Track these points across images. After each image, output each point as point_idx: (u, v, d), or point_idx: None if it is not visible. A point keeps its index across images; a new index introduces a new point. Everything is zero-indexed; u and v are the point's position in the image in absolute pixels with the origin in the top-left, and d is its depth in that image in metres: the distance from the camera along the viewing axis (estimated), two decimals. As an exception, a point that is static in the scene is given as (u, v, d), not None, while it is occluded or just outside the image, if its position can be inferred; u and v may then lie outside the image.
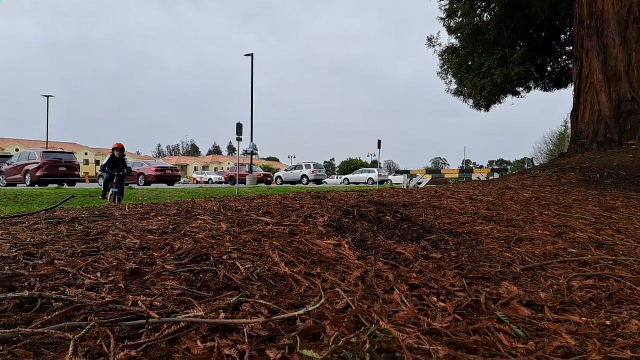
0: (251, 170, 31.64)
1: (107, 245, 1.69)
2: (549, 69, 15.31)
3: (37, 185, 19.04)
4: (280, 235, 2.03)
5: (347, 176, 44.04)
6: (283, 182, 35.72)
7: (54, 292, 1.20)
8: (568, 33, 13.71)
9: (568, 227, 2.72)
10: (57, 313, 1.07)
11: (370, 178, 38.27)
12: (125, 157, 9.51)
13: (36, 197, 6.82)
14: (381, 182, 28.24)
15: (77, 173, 21.45)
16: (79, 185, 21.01)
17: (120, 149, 9.46)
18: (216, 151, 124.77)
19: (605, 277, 1.81)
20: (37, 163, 19.99)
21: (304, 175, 35.73)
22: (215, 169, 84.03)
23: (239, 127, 15.91)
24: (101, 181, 11.37)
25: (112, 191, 8.93)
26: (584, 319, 1.38)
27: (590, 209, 3.42)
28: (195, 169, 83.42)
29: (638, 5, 7.61)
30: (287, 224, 2.26)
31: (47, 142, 42.17)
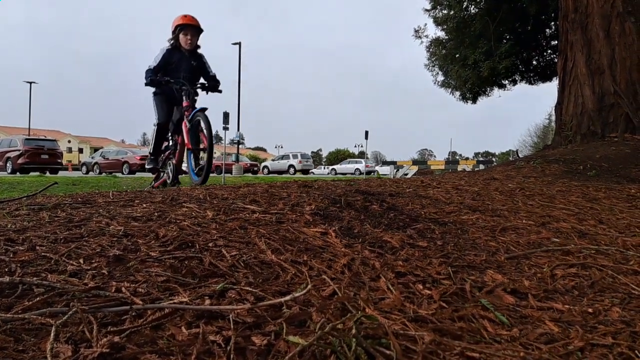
0: (237, 160, 31.51)
1: (90, 232, 1.66)
2: (534, 62, 15.43)
3: (18, 173, 18.73)
4: (266, 223, 2.02)
5: (334, 166, 44.15)
6: (270, 172, 35.66)
7: (35, 278, 1.18)
8: (553, 27, 13.81)
9: (551, 217, 2.75)
10: (38, 299, 1.05)
11: (357, 168, 38.41)
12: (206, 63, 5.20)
13: (17, 185, 6.70)
14: (368, 173, 28.34)
15: (59, 161, 21.20)
16: (61, 173, 20.72)
17: (191, 26, 4.84)
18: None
19: (587, 265, 1.84)
20: (19, 150, 19.69)
21: (291, 165, 35.71)
22: (201, 158, 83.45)
23: (226, 116, 15.81)
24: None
25: (168, 171, 5.10)
26: (567, 306, 1.40)
27: (573, 199, 3.47)
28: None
29: (621, 0, 7.68)
30: (273, 212, 2.25)
31: (29, 129, 41.45)
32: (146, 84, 4.79)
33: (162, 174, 5.53)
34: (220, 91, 5.20)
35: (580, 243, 2.22)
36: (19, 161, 19.37)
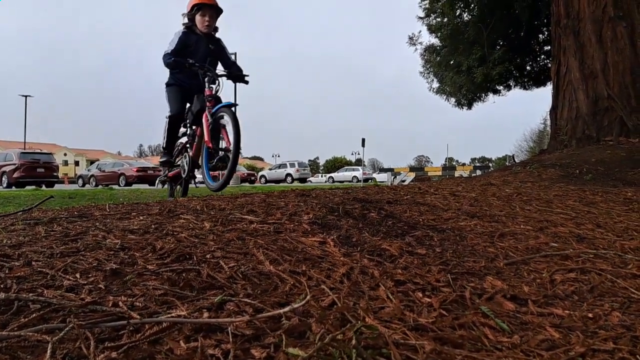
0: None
1: (86, 246, 1.65)
2: (528, 68, 15.53)
3: (14, 187, 18.65)
4: (264, 233, 2.01)
5: (332, 174, 44.18)
6: (267, 181, 35.64)
7: (31, 294, 1.17)
8: (546, 33, 13.91)
9: (549, 222, 2.76)
10: (34, 315, 1.04)
11: (354, 176, 38.44)
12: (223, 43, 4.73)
13: (13, 199, 6.67)
14: (365, 180, 28.35)
15: (55, 174, 21.14)
16: (57, 187, 20.64)
17: (209, 6, 4.44)
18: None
19: (586, 270, 1.83)
20: (14, 164, 19.63)
21: (288, 174, 35.71)
22: (198, 169, 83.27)
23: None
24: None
25: (184, 164, 4.67)
26: (567, 311, 1.39)
27: (570, 203, 3.47)
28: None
29: (612, 5, 7.76)
30: (271, 221, 2.24)
31: (25, 142, 41.36)
32: (167, 65, 4.34)
33: (178, 161, 5.04)
34: (247, 82, 4.62)
35: (579, 247, 2.22)
36: (15, 175, 19.29)
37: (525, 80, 15.67)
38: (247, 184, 29.24)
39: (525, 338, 1.18)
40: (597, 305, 1.48)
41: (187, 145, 4.77)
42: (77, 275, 1.33)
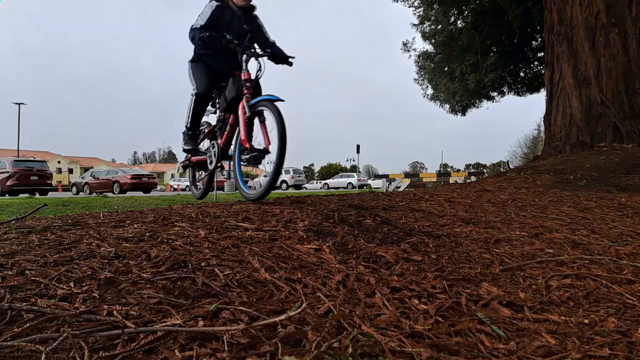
0: (229, 177, 31.39)
1: (80, 254, 1.64)
2: (521, 74, 15.63)
3: (7, 195, 18.53)
4: (259, 240, 2.01)
5: (327, 181, 44.16)
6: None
7: (24, 303, 1.15)
8: (539, 39, 14.03)
9: (544, 228, 2.76)
10: (27, 325, 1.03)
11: (349, 182, 38.47)
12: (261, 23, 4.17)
13: (6, 207, 6.63)
14: (360, 187, 28.38)
15: (49, 182, 21.00)
16: (51, 194, 20.54)
17: None
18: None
19: (581, 276, 1.84)
20: (8, 172, 19.50)
21: (283, 181, 35.68)
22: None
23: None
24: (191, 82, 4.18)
25: (212, 153, 4.13)
26: (563, 317, 1.39)
27: (565, 209, 3.48)
28: (172, 176, 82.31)
29: (605, 12, 7.83)
30: (266, 229, 2.24)
31: (18, 150, 41.18)
32: (199, 40, 3.76)
33: (203, 146, 4.54)
34: (291, 63, 4.05)
35: (574, 253, 2.22)
36: (8, 183, 19.17)
37: (519, 86, 15.77)
38: (242, 191, 29.20)
39: (522, 344, 1.18)
40: (593, 311, 1.48)
41: (216, 131, 4.25)
42: (71, 284, 1.32)
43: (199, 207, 3.09)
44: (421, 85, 16.74)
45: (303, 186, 37.65)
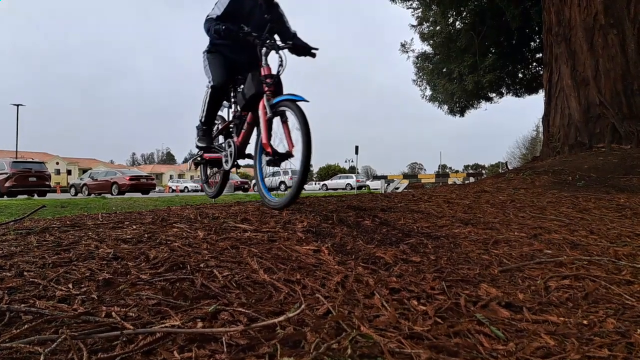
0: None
1: (79, 256, 1.63)
2: (520, 75, 15.64)
3: (5, 197, 18.50)
4: (258, 241, 2.01)
5: (326, 182, 44.17)
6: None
7: (23, 305, 1.15)
8: (538, 40, 14.05)
9: (543, 229, 2.76)
10: (26, 326, 1.03)
11: (348, 183, 38.48)
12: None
13: (4, 209, 6.62)
14: (359, 188, 28.37)
15: (47, 183, 20.98)
16: (49, 196, 20.50)
17: None
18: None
19: (580, 277, 1.84)
20: (6, 173, 19.47)
21: (282, 182, 35.67)
22: (191, 177, 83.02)
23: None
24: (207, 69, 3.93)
25: (228, 152, 3.83)
26: (562, 318, 1.39)
27: (563, 210, 3.49)
28: (171, 177, 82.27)
29: (603, 13, 7.85)
30: (265, 230, 2.23)
31: (17, 151, 41.12)
32: (215, 33, 3.53)
33: (217, 143, 4.26)
34: (314, 55, 3.81)
35: (573, 254, 2.23)
36: (7, 184, 19.13)
37: (518, 87, 15.79)
38: (240, 192, 29.17)
39: (521, 345, 1.18)
40: (592, 312, 1.48)
41: (232, 128, 4.02)
42: (70, 285, 1.32)
43: (198, 208, 3.09)
44: (420, 86, 16.75)
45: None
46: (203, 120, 4.06)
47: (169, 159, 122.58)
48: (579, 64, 8.04)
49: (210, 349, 0.99)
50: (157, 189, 36.02)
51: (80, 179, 28.45)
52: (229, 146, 3.89)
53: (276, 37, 3.74)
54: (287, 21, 3.92)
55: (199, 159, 4.40)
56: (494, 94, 15.93)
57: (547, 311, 1.47)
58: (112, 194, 22.71)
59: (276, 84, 3.37)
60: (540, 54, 13.51)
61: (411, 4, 15.22)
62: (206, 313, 1.18)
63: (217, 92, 3.87)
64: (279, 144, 3.25)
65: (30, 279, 1.35)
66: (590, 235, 2.69)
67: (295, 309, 1.23)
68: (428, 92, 16.59)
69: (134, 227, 2.24)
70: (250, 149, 3.79)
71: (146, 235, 2.01)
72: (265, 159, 3.30)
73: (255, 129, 3.65)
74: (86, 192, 25.16)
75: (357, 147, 21.36)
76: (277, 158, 3.21)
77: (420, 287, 1.61)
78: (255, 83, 3.41)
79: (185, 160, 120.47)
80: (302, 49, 3.71)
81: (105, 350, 0.96)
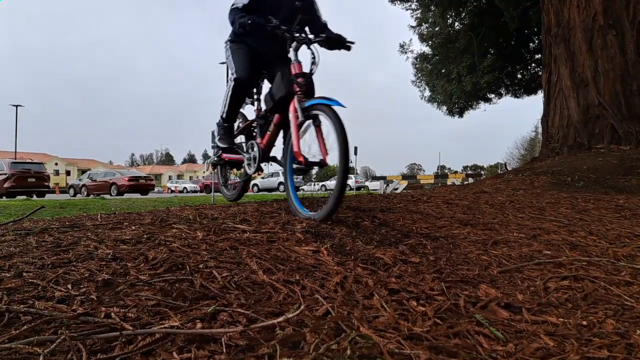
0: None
1: (78, 256, 1.63)
2: (519, 76, 15.68)
3: (4, 197, 18.49)
4: (257, 242, 2.01)
5: (325, 182, 44.17)
6: (260, 190, 35.56)
7: (22, 306, 1.15)
8: (537, 41, 14.07)
9: (542, 230, 2.77)
10: (25, 327, 1.03)
11: (347, 184, 38.47)
12: None
13: (3, 209, 6.61)
14: (358, 188, 28.38)
15: (46, 184, 20.97)
16: (48, 196, 20.48)
17: None
18: (191, 160, 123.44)
19: (579, 277, 1.84)
20: (5, 174, 19.45)
21: (281, 183, 35.65)
22: (190, 178, 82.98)
23: (214, 135, 15.82)
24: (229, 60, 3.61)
25: (251, 155, 3.56)
26: (561, 319, 1.39)
27: (562, 211, 3.49)
28: (170, 177, 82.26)
29: (602, 14, 7.86)
30: (264, 231, 2.23)
31: (16, 152, 41.08)
32: (240, 26, 3.20)
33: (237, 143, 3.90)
34: (349, 48, 3.40)
35: (572, 255, 2.23)
36: (6, 185, 19.11)
37: (517, 88, 15.82)
38: (240, 193, 29.17)
39: (520, 346, 1.18)
40: (591, 312, 1.48)
41: (254, 128, 3.74)
42: (69, 286, 1.32)
43: (197, 209, 3.09)
44: (419, 87, 16.78)
45: (300, 188, 37.68)
46: (224, 116, 3.74)
47: (167, 159, 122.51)
48: (578, 65, 8.05)
49: (210, 349, 0.99)
50: (156, 189, 36.01)
51: (79, 180, 28.43)
52: (252, 148, 3.59)
53: (306, 29, 3.39)
54: (319, 9, 3.57)
55: (216, 159, 4.06)
56: (492, 95, 15.96)
57: (547, 312, 1.47)
58: (111, 195, 22.70)
59: (308, 85, 3.05)
60: (539, 55, 13.55)
61: (410, 5, 15.26)
62: (205, 314, 1.18)
63: (241, 86, 3.54)
64: (307, 151, 2.95)
65: (30, 280, 1.35)
66: (590, 236, 2.69)
67: (294, 310, 1.23)
68: (427, 93, 16.64)
69: (133, 227, 2.24)
70: (274, 151, 3.57)
71: (145, 236, 2.00)
72: (295, 166, 3.00)
73: (280, 131, 3.40)
74: (85, 193, 25.14)
75: (355, 148, 21.37)
76: (308, 167, 2.93)
77: (420, 287, 1.61)
78: (285, 83, 3.10)
79: (184, 161, 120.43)
80: (337, 42, 3.32)
81: (105, 351, 0.96)
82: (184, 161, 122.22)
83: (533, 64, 15.27)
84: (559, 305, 1.54)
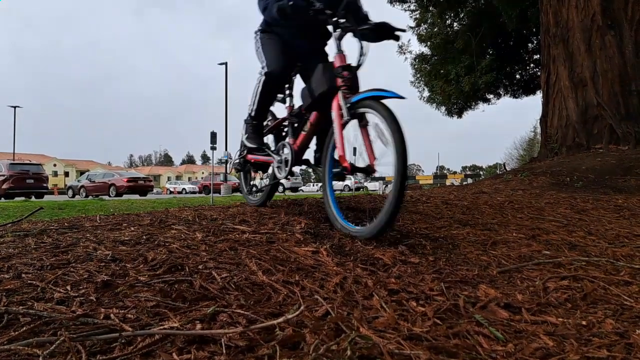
0: (226, 179, 31.36)
1: (77, 258, 1.63)
2: (517, 76, 15.68)
3: (3, 199, 18.46)
4: (257, 243, 2.01)
5: (346, 183, 44.24)
6: (285, 189, 35.54)
7: (21, 307, 1.15)
8: (535, 41, 14.08)
9: (541, 230, 2.77)
10: (24, 328, 1.03)
11: (346, 185, 38.45)
12: None
13: (2, 211, 6.60)
14: (357, 189, 28.39)
15: (45, 185, 20.94)
16: (47, 198, 20.46)
17: None
18: (190, 161, 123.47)
19: (579, 277, 1.84)
20: (3, 175, 19.42)
21: (280, 183, 35.70)
22: (189, 179, 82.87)
23: (213, 135, 15.85)
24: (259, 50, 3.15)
25: (283, 156, 3.09)
26: (561, 319, 1.39)
27: (561, 211, 3.49)
28: (169, 178, 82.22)
29: (601, 14, 7.87)
30: (263, 231, 2.23)
31: (14, 153, 41.04)
32: (278, 12, 2.77)
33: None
34: (398, 37, 2.92)
35: (571, 255, 2.23)
36: (4, 186, 19.09)
37: (515, 88, 15.83)
38: (238, 194, 29.16)
39: (520, 346, 1.18)
40: (591, 312, 1.48)
41: (284, 127, 3.41)
42: (68, 287, 1.32)
43: (196, 209, 3.09)
44: (417, 87, 16.79)
45: (300, 188, 37.67)
46: (253, 114, 3.34)
47: (166, 160, 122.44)
48: (576, 65, 8.05)
49: (209, 350, 0.99)
50: (154, 190, 35.97)
51: (78, 181, 28.40)
52: (284, 150, 3.20)
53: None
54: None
55: (241, 161, 3.65)
56: (491, 95, 15.97)
57: (546, 312, 1.47)
58: (109, 196, 22.67)
59: (353, 79, 2.64)
60: (538, 55, 13.54)
61: (409, 6, 15.26)
62: (205, 315, 1.18)
63: (273, 80, 3.16)
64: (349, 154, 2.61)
65: (29, 281, 1.35)
66: (589, 236, 2.70)
67: (294, 311, 1.22)
68: (426, 94, 16.64)
69: (132, 228, 2.24)
70: (307, 153, 3.16)
71: (144, 237, 2.00)
72: (334, 170, 2.68)
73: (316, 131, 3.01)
74: (84, 194, 25.11)
75: (355, 149, 21.39)
76: (351, 174, 2.59)
77: (419, 288, 1.61)
78: (328, 77, 2.67)
79: (183, 162, 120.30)
80: (387, 31, 2.87)
81: (104, 352, 0.96)
82: (183, 162, 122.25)
83: (532, 64, 15.28)
84: (559, 305, 1.54)
